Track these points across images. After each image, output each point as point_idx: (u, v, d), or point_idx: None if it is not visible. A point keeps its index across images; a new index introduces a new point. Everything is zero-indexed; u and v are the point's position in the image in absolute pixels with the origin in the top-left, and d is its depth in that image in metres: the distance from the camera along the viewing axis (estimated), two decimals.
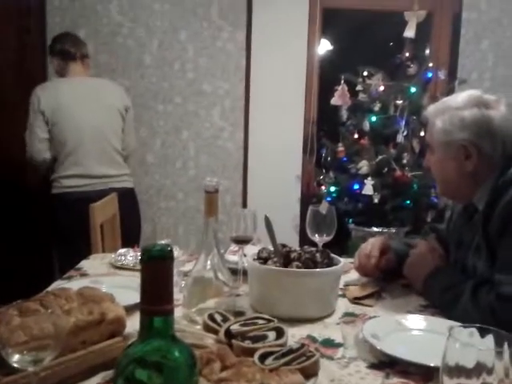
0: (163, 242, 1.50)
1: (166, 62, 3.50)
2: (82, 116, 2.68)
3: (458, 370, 0.69)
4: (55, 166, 2.75)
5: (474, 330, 0.72)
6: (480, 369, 0.67)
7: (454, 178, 1.42)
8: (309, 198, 3.41)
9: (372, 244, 1.60)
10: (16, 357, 0.80)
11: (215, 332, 1.06)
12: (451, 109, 1.38)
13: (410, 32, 3.18)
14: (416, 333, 1.23)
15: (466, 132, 1.35)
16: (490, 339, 0.70)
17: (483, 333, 0.71)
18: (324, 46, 3.78)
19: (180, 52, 3.50)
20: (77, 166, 2.70)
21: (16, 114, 3.47)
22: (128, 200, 2.80)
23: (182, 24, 3.48)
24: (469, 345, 0.67)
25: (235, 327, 1.05)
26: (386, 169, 3.15)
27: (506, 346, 0.65)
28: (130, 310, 1.10)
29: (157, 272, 0.58)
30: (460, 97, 1.41)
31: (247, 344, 0.99)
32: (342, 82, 3.31)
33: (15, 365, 0.80)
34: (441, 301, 1.38)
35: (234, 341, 1.00)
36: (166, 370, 0.59)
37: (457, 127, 1.36)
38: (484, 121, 1.34)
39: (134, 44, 3.48)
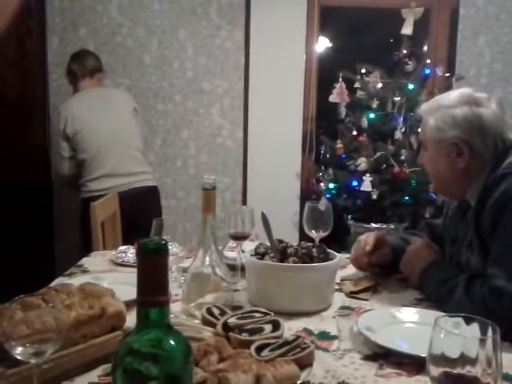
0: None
1: (166, 61, 3.52)
2: (96, 122, 2.83)
3: (443, 359, 0.71)
4: (81, 173, 2.89)
5: (459, 319, 0.74)
6: (464, 357, 0.69)
7: (446, 174, 1.44)
8: (308, 194, 3.43)
9: (367, 235, 1.63)
10: (19, 349, 0.83)
11: (213, 325, 1.09)
12: (443, 107, 1.41)
13: (407, 29, 3.20)
14: (410, 325, 1.25)
15: (457, 130, 1.37)
16: (475, 328, 0.73)
17: (468, 322, 0.73)
18: (322, 44, 3.80)
19: (179, 51, 3.52)
20: (100, 168, 2.83)
21: (16, 111, 3.51)
22: (153, 197, 2.96)
23: (181, 23, 3.50)
24: (453, 334, 0.69)
25: (232, 320, 1.08)
26: (384, 165, 3.18)
27: (488, 332, 0.68)
28: (129, 305, 1.11)
29: (152, 265, 0.61)
30: (452, 95, 1.43)
31: (244, 336, 1.02)
32: (340, 79, 3.33)
33: (18, 357, 0.83)
34: (436, 294, 1.40)
35: (231, 333, 1.03)
36: (161, 360, 0.62)
37: (448, 125, 1.38)
38: (475, 119, 1.37)
39: (134, 43, 3.50)
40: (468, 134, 1.37)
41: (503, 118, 1.39)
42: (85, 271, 1.65)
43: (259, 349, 0.97)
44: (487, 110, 1.37)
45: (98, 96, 2.95)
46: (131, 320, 1.09)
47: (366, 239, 1.60)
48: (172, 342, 0.62)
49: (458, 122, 1.37)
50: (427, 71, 3.29)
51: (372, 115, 3.22)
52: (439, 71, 3.30)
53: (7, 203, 3.46)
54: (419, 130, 3.07)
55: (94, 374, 0.99)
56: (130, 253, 1.77)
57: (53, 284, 1.35)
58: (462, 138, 1.37)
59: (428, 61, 3.34)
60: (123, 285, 1.32)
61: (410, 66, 3.26)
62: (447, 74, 3.41)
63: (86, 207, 2.78)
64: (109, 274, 1.56)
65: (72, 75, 2.99)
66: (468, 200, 1.43)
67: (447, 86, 3.15)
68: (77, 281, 1.24)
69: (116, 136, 2.86)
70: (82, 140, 2.83)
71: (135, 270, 0.63)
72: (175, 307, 1.27)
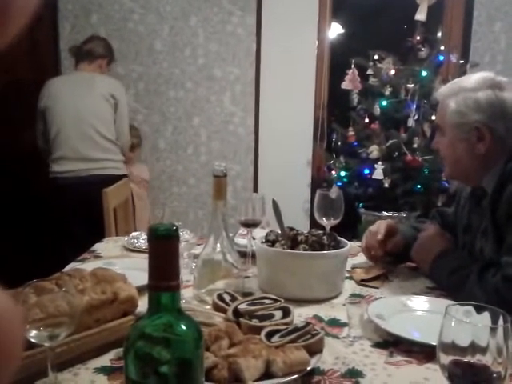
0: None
1: (177, 47, 3.51)
2: (67, 101, 2.81)
3: (453, 348, 0.71)
4: (49, 152, 2.89)
5: (470, 308, 0.74)
6: (475, 346, 0.69)
7: (464, 160, 1.41)
8: (319, 182, 3.42)
9: (379, 223, 1.62)
10: (33, 332, 0.84)
11: (224, 311, 1.09)
12: (465, 90, 1.37)
13: (421, 15, 3.15)
14: (420, 313, 1.25)
15: (480, 114, 1.34)
16: (486, 317, 0.73)
17: (479, 310, 0.73)
18: (334, 30, 3.75)
19: (191, 37, 3.51)
20: (60, 149, 2.82)
21: (28, 99, 3.52)
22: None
23: (193, 9, 3.48)
24: (464, 322, 0.69)
25: (243, 306, 1.08)
26: (396, 153, 3.15)
27: (500, 321, 0.67)
28: (141, 290, 1.12)
29: (163, 250, 0.61)
30: (473, 78, 1.40)
31: (254, 322, 1.02)
32: (353, 66, 3.30)
33: (32, 340, 0.84)
34: (448, 283, 1.39)
35: (241, 319, 1.04)
36: (173, 344, 0.63)
37: (471, 109, 1.35)
38: (498, 103, 1.34)
39: (145, 30, 3.50)
40: (491, 119, 1.34)
41: None
42: (97, 257, 1.66)
43: (269, 335, 0.98)
44: (510, 94, 1.34)
45: (81, 80, 2.89)
46: (143, 305, 1.10)
47: (378, 228, 1.59)
48: (183, 327, 0.63)
49: (481, 106, 1.34)
50: (441, 58, 3.25)
51: (384, 102, 3.19)
52: (453, 58, 3.25)
53: (21, 189, 3.50)
54: (433, 117, 3.08)
55: (107, 358, 1.01)
56: (141, 239, 1.79)
57: (66, 269, 1.37)
58: (485, 122, 1.34)
59: (442, 47, 3.29)
60: (135, 270, 1.32)
61: (424, 52, 3.22)
62: (461, 61, 3.35)
63: (51, 189, 2.87)
64: (121, 259, 1.58)
65: (74, 53, 2.99)
66: (484, 187, 1.41)
67: (461, 73, 3.10)
68: (89, 266, 1.26)
69: (81, 120, 2.80)
70: (49, 118, 2.83)
71: (147, 255, 0.64)
72: (186, 293, 1.29)
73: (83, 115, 2.80)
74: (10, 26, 0.25)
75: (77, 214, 2.75)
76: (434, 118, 3.11)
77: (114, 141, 2.89)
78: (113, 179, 2.63)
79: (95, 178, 2.73)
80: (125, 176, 2.88)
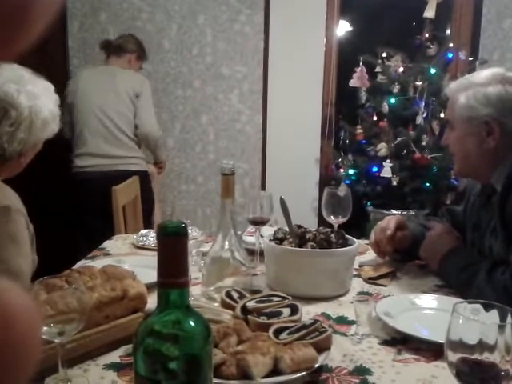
0: None
1: (185, 46, 3.52)
2: (92, 98, 2.85)
3: (461, 345, 0.71)
4: (72, 147, 2.94)
5: (478, 305, 0.74)
6: (483, 343, 0.69)
7: (473, 155, 1.41)
8: (327, 180, 3.42)
9: (389, 219, 1.62)
10: (43, 329, 0.85)
11: (232, 308, 1.10)
12: (475, 85, 1.37)
13: (429, 12, 3.14)
14: (428, 311, 1.25)
15: (490, 108, 1.34)
16: (494, 314, 0.73)
17: (487, 308, 0.73)
18: (342, 28, 3.74)
19: (198, 36, 3.51)
20: (84, 145, 2.86)
21: None
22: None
23: (201, 8, 3.49)
24: (472, 320, 0.69)
25: (251, 304, 1.09)
26: (404, 151, 3.14)
27: (508, 319, 0.67)
28: (150, 287, 1.13)
29: (172, 247, 0.62)
30: (484, 73, 1.40)
31: (262, 319, 1.03)
32: (361, 63, 3.29)
33: (43, 336, 0.85)
34: (456, 280, 1.39)
35: (249, 316, 1.04)
36: (181, 340, 0.63)
37: (480, 103, 1.35)
38: (508, 98, 1.33)
39: (154, 29, 3.51)
40: (500, 113, 1.34)
41: None
42: (107, 254, 1.68)
43: (277, 332, 0.98)
44: None
45: (105, 75, 2.92)
46: (152, 302, 1.11)
47: (388, 223, 1.59)
48: (192, 323, 0.63)
49: (491, 101, 1.34)
50: (450, 55, 3.23)
51: (393, 100, 3.18)
52: (462, 55, 3.24)
53: (31, 188, 3.52)
54: (441, 114, 3.07)
55: (116, 355, 1.02)
56: (150, 236, 1.80)
57: (76, 266, 1.38)
58: (495, 116, 1.34)
59: (451, 45, 3.27)
60: (144, 268, 1.34)
61: (432, 49, 3.20)
62: (470, 58, 3.34)
63: (72, 183, 2.90)
64: (130, 257, 1.59)
65: (104, 47, 3.03)
66: (493, 184, 1.41)
67: (470, 71, 3.07)
68: (99, 263, 1.27)
69: (105, 118, 2.83)
70: (74, 113, 2.87)
71: (156, 253, 0.64)
72: (195, 290, 1.29)
73: (107, 113, 2.84)
74: (34, 24, 0.25)
75: (98, 209, 2.73)
76: (442, 115, 3.10)
77: (135, 139, 2.94)
78: (135, 174, 2.74)
79: (119, 173, 2.76)
80: (146, 172, 2.96)
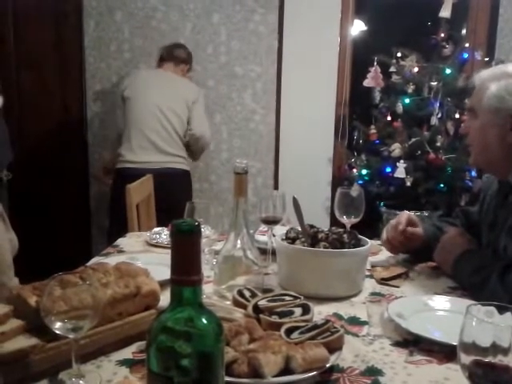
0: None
1: (199, 45, 3.53)
2: (148, 94, 2.94)
3: (474, 348, 0.71)
4: (122, 141, 2.99)
5: (492, 308, 0.73)
6: (496, 346, 0.68)
7: (493, 146, 1.39)
8: (340, 180, 3.41)
9: (400, 215, 1.61)
10: (58, 324, 0.86)
11: (244, 307, 1.10)
12: (508, 75, 1.35)
13: (445, 12, 3.11)
14: (441, 313, 1.24)
15: None
16: (508, 317, 0.72)
17: (501, 310, 0.72)
18: (357, 27, 3.73)
19: (213, 35, 3.52)
20: (136, 138, 2.93)
21: (53, 96, 3.60)
22: (185, 181, 3.06)
23: (215, 7, 3.49)
24: (485, 322, 0.69)
25: (263, 303, 1.09)
26: (419, 152, 3.12)
27: None
28: (163, 284, 1.14)
29: (186, 245, 0.62)
30: None
31: (274, 319, 1.03)
32: (375, 63, 3.27)
33: (57, 332, 0.86)
34: (470, 282, 1.38)
35: (261, 315, 1.04)
36: (194, 338, 0.64)
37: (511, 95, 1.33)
38: None
39: (168, 28, 3.52)
40: None
41: None
42: (120, 251, 1.69)
43: (289, 331, 0.98)
44: None
45: (165, 78, 3.06)
46: (165, 299, 1.11)
47: (398, 219, 1.59)
48: (204, 321, 0.64)
49: None
50: (465, 55, 3.21)
51: (407, 100, 3.16)
52: (478, 55, 3.21)
53: (46, 185, 3.56)
54: (457, 115, 3.04)
55: (129, 351, 1.02)
56: (163, 234, 1.81)
57: (90, 263, 1.39)
58: None
59: (466, 44, 3.25)
60: (157, 265, 1.34)
61: (448, 49, 3.18)
62: (486, 59, 3.31)
63: (115, 178, 2.97)
64: (143, 254, 1.60)
65: (161, 56, 3.14)
66: (510, 181, 1.39)
67: None
68: (113, 260, 1.28)
69: (161, 115, 2.92)
70: (129, 106, 2.95)
71: (169, 251, 0.65)
72: (207, 288, 1.30)
73: (164, 112, 2.93)
74: None
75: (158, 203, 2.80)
76: (457, 116, 3.07)
77: (184, 140, 3.04)
78: (183, 173, 3.00)
79: (171, 171, 2.91)
80: (188, 172, 3.10)
